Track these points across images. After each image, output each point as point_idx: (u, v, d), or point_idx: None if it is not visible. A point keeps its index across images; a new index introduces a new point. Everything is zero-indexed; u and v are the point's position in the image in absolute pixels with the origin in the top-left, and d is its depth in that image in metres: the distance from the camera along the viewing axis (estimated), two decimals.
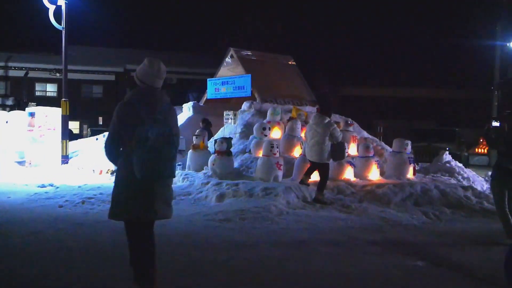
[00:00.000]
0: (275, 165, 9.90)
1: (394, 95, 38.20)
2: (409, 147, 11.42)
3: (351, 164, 10.54)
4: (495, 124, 22.77)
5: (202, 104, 15.60)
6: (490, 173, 12.88)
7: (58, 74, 36.52)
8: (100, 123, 38.29)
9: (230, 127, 12.65)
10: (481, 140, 24.05)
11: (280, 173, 10.03)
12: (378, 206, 9.04)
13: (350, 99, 36.65)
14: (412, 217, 8.43)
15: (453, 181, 11.36)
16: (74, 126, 39.47)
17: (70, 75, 40.02)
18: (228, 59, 14.82)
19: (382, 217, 8.32)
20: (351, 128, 12.20)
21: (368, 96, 38.42)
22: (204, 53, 40.55)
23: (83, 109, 39.80)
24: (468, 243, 6.82)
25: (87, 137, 23.66)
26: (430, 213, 8.67)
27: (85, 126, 39.39)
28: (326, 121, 8.99)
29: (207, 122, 13.47)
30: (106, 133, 14.78)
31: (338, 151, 9.08)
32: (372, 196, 9.42)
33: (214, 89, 14.80)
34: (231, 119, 12.44)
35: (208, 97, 15.26)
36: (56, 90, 39.27)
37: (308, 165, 9.51)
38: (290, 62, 15.84)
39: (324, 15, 44.42)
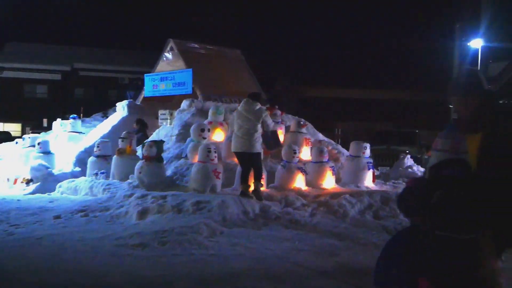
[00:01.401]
0: (212, 173, 8.39)
1: (353, 96, 37.54)
2: (367, 151, 10.19)
3: (303, 170, 9.17)
4: None
5: (139, 103, 13.93)
6: None
7: None
8: (45, 125, 36.09)
9: (166, 129, 11.08)
10: None
11: (218, 183, 8.53)
12: (333, 220, 7.80)
13: (308, 100, 35.70)
14: (371, 233, 7.18)
15: None
16: (15, 128, 37.11)
17: (11, 74, 38.05)
18: (167, 53, 13.23)
19: (336, 234, 7.02)
20: (304, 130, 10.85)
21: (327, 97, 37.60)
22: (159, 51, 38.77)
23: (26, 110, 37.50)
24: None
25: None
26: (392, 228, 7.44)
27: (27, 129, 36.95)
28: (258, 107, 8.21)
29: (142, 123, 11.91)
30: (27, 136, 13.14)
31: (272, 140, 8.53)
32: (326, 209, 8.15)
33: (152, 85, 13.20)
34: (168, 119, 10.87)
35: (145, 95, 13.62)
36: None
37: (251, 173, 8.16)
38: (238, 56, 14.38)
39: (281, 15, 43.43)
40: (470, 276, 2.86)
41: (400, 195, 3.33)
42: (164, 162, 9.47)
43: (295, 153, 9.20)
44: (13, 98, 37.14)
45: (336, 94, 37.68)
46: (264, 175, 8.84)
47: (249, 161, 8.20)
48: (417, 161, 13.97)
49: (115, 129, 12.39)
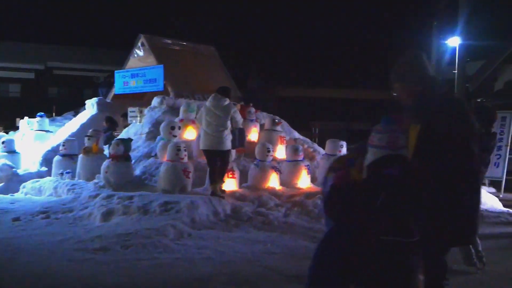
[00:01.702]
0: (181, 172, 8.04)
1: (331, 96, 37.44)
2: (344, 149, 9.94)
3: (277, 169, 8.89)
4: None
5: (109, 100, 13.46)
6: None
7: None
8: (18, 125, 35.20)
9: (136, 127, 10.68)
10: None
11: (188, 182, 8.19)
12: (307, 221, 7.60)
13: (286, 99, 35.47)
14: None
15: None
16: None
17: None
18: (138, 49, 12.79)
19: (311, 236, 6.76)
20: (278, 128, 10.56)
21: (305, 97, 37.46)
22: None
23: None
24: None
25: None
26: None
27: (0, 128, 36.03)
28: (227, 102, 7.90)
29: (112, 121, 11.48)
30: None
31: (238, 138, 8.15)
32: (301, 209, 7.94)
33: (122, 82, 12.76)
34: (137, 117, 10.46)
35: (116, 92, 13.17)
36: None
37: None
38: (212, 53, 14.01)
39: (258, 14, 43.15)
40: (409, 279, 2.71)
41: (328, 197, 3.01)
42: (133, 161, 9.11)
43: (269, 151, 8.93)
44: None
45: (314, 94, 37.56)
46: (236, 175, 8.55)
47: (217, 158, 7.91)
48: None
49: (84, 128, 11.91)
